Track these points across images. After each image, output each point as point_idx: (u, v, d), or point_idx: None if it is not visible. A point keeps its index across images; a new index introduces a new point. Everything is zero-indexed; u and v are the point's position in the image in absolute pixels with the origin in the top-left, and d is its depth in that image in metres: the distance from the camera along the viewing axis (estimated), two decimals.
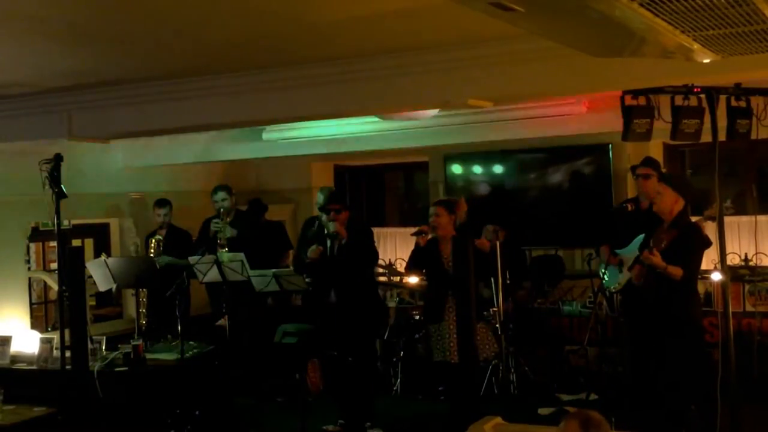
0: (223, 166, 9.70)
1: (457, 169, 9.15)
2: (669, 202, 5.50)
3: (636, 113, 5.18)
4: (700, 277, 6.16)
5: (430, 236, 6.08)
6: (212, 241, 7.34)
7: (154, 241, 7.76)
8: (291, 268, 7.19)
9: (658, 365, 5.63)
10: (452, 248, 6.05)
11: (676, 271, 5.31)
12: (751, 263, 7.39)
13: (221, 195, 7.53)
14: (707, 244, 5.93)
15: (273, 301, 7.45)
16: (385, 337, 7.82)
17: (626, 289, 5.99)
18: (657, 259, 5.27)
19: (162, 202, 7.86)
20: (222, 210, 7.46)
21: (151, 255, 7.67)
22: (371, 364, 6.61)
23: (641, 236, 5.74)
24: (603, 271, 6.24)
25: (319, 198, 7.61)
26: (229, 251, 6.95)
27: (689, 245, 5.43)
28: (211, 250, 7.14)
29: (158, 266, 7.22)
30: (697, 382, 5.51)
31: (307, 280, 6.36)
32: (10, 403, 5.76)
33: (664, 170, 8.08)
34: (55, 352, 6.19)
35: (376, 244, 6.66)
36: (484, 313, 6.71)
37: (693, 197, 5.86)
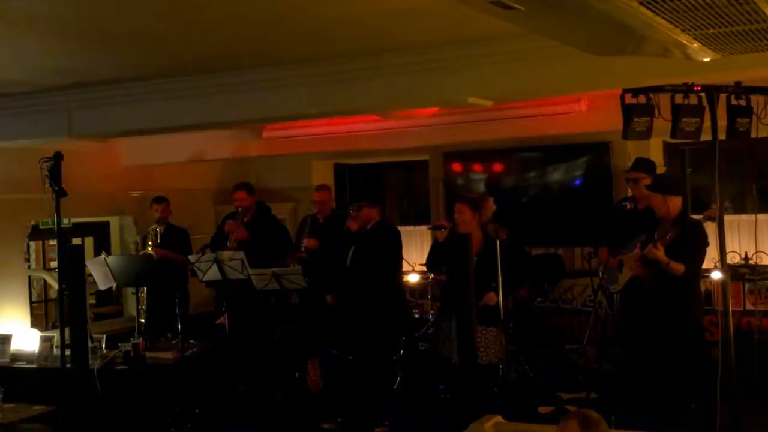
0: (224, 165, 9.71)
1: (457, 167, 9.14)
2: (661, 206, 5.52)
3: (636, 112, 5.17)
4: (702, 276, 6.17)
5: (446, 232, 5.96)
6: (225, 240, 7.32)
7: (151, 231, 7.75)
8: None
9: (658, 364, 5.63)
10: (480, 249, 5.93)
11: (678, 267, 5.33)
12: (751, 262, 7.39)
13: (240, 194, 7.50)
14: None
15: (275, 300, 7.45)
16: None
17: (626, 288, 5.99)
18: (660, 253, 5.28)
19: (159, 199, 7.87)
20: (240, 209, 7.44)
21: (149, 246, 7.67)
22: (385, 364, 6.54)
23: (640, 237, 5.74)
24: (602, 272, 6.25)
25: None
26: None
27: (691, 242, 5.44)
28: (221, 248, 7.15)
29: (155, 257, 7.23)
30: (697, 381, 5.51)
31: (306, 279, 6.36)
32: (10, 402, 5.76)
33: (665, 169, 8.11)
34: (55, 350, 6.20)
35: (399, 244, 6.58)
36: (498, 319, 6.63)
37: (685, 192, 5.86)
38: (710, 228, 5.61)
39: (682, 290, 5.45)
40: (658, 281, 5.45)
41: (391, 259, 6.35)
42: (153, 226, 7.78)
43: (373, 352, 6.28)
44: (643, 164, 6.28)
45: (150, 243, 7.69)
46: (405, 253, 9.28)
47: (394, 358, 7.46)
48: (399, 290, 6.73)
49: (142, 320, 7.50)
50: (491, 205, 6.80)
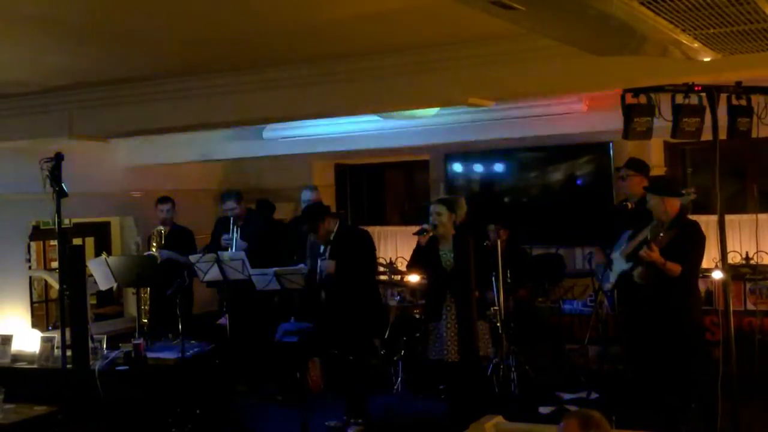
0: (224, 165, 9.71)
1: (457, 167, 9.14)
2: (658, 208, 5.54)
3: (636, 112, 5.18)
4: (700, 275, 6.17)
5: (430, 235, 6.06)
6: (218, 246, 7.33)
7: (155, 232, 7.74)
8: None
9: (657, 363, 5.64)
10: (453, 247, 6.03)
11: (675, 268, 5.33)
12: (752, 262, 7.39)
13: (230, 204, 7.50)
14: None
15: (279, 299, 7.45)
16: (386, 336, 7.82)
17: (621, 286, 6.00)
18: (656, 255, 5.28)
19: (164, 199, 7.87)
20: (232, 218, 7.47)
21: (153, 247, 7.66)
22: (363, 362, 6.52)
23: (627, 233, 5.78)
24: (599, 272, 6.28)
25: (305, 195, 7.64)
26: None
27: (688, 243, 5.44)
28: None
29: (159, 260, 7.22)
30: (695, 380, 5.52)
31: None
32: (10, 402, 5.76)
33: (665, 169, 8.12)
34: (55, 351, 6.20)
35: (369, 247, 6.59)
36: (486, 312, 6.67)
37: (673, 194, 5.88)
38: (710, 227, 5.62)
39: (679, 288, 5.45)
40: (655, 280, 5.45)
41: (359, 263, 6.33)
42: (158, 228, 7.76)
43: (351, 353, 6.29)
44: (634, 163, 6.36)
45: (154, 245, 7.67)
46: (405, 254, 9.32)
47: (395, 358, 7.48)
48: (372, 291, 6.68)
49: (145, 320, 7.50)
50: (464, 205, 6.92)
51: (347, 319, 6.25)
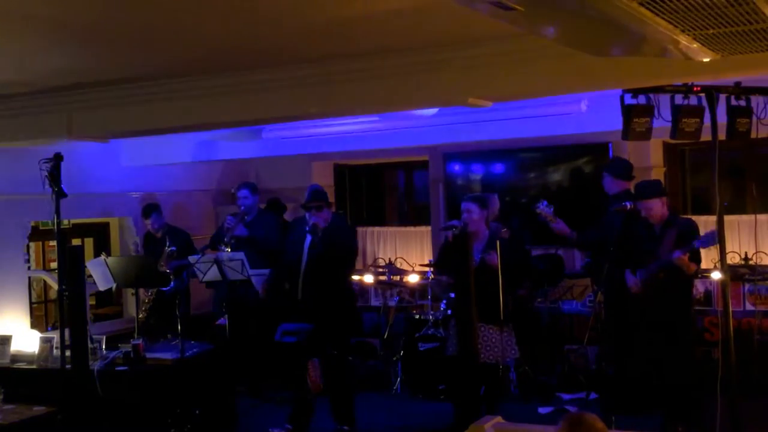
0: (223, 165, 9.71)
1: (457, 167, 9.15)
2: (658, 210, 5.68)
3: (636, 112, 5.18)
4: (699, 276, 6.19)
5: (456, 233, 5.98)
6: (223, 236, 7.30)
7: (166, 252, 7.59)
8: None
9: (654, 363, 5.65)
10: (486, 247, 5.96)
11: (693, 266, 5.47)
12: (751, 262, 7.39)
13: (243, 193, 7.50)
14: None
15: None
16: (385, 336, 7.83)
17: (610, 287, 6.02)
18: (686, 259, 5.40)
19: (146, 213, 7.81)
20: (243, 207, 7.45)
21: (161, 265, 7.56)
22: (342, 363, 6.43)
23: None
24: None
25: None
26: (236, 250, 6.90)
27: (692, 239, 5.50)
28: (216, 244, 7.14)
29: (172, 278, 7.21)
30: (692, 381, 5.53)
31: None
32: (10, 403, 5.76)
33: (664, 170, 8.13)
34: (55, 351, 6.20)
35: (358, 244, 6.54)
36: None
37: (666, 193, 5.94)
38: (709, 228, 5.63)
39: (675, 290, 5.50)
40: (661, 284, 5.49)
41: (341, 256, 6.28)
42: (169, 250, 7.56)
43: (336, 351, 6.26)
44: (608, 166, 6.65)
45: (163, 263, 7.55)
46: (405, 254, 9.34)
47: (394, 358, 7.48)
48: (348, 288, 6.62)
49: (142, 315, 7.46)
50: (497, 203, 6.87)
51: (322, 316, 6.19)
